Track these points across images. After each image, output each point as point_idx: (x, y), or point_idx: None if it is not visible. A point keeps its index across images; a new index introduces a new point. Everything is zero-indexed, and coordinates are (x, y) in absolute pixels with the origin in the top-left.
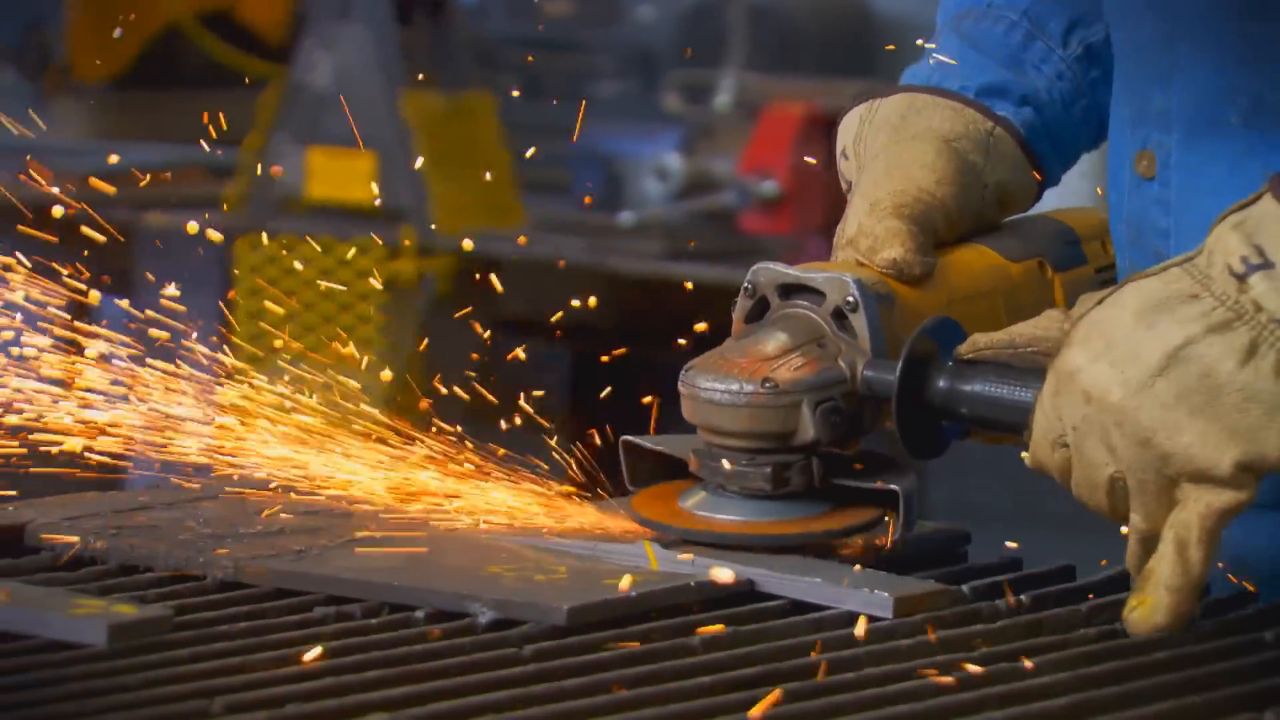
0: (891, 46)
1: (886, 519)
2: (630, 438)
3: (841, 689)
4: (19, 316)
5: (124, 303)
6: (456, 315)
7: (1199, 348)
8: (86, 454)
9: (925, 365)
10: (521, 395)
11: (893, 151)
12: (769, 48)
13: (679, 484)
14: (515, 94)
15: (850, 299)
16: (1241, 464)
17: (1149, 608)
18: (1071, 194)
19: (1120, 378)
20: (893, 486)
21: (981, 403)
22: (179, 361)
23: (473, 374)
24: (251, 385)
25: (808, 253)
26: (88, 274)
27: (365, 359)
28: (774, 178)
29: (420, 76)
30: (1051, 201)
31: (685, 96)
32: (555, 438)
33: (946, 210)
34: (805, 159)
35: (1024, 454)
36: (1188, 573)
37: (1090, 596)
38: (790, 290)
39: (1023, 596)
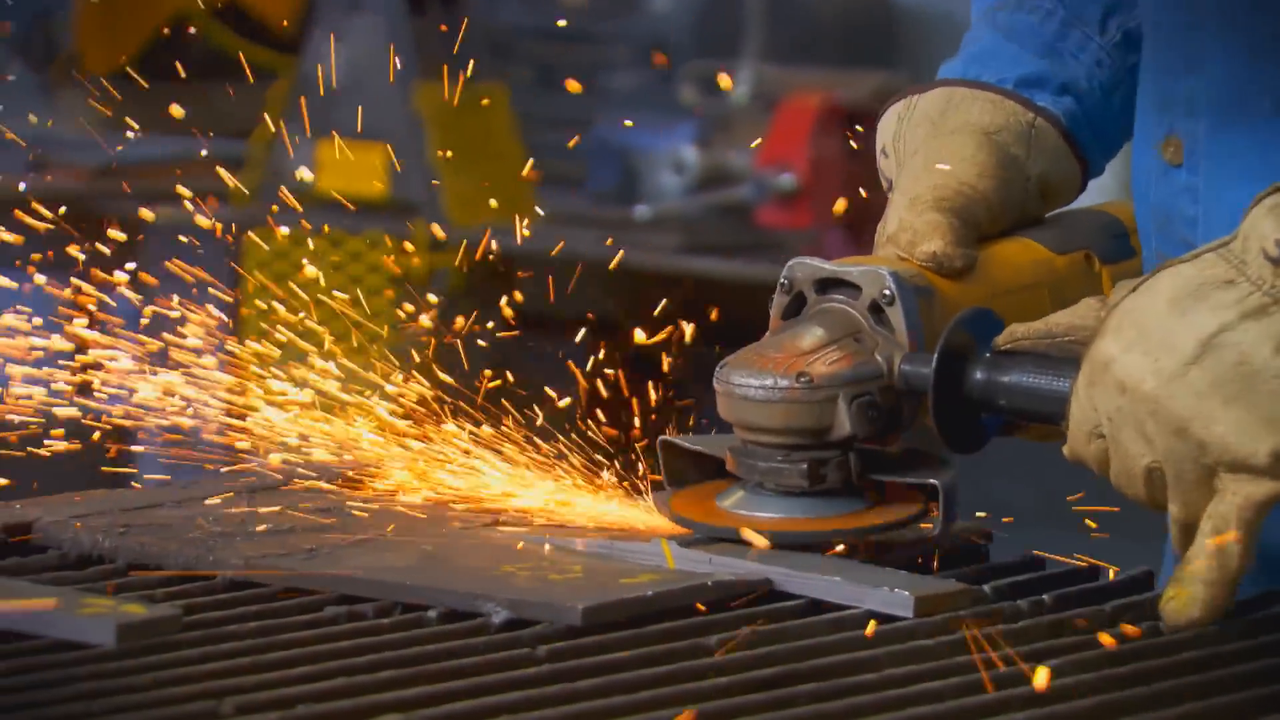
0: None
1: (929, 515)
2: (668, 437)
3: (862, 690)
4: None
5: (133, 297)
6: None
7: (1234, 334)
8: (93, 448)
9: (962, 357)
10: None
11: (932, 146)
12: (786, 38)
13: (717, 484)
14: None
15: (886, 292)
16: (1279, 453)
17: (1185, 600)
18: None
19: (1154, 367)
20: (932, 481)
21: (1020, 394)
22: (185, 351)
23: (486, 368)
24: (262, 378)
25: (825, 246)
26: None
27: (376, 353)
28: (792, 170)
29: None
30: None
31: (701, 88)
32: (573, 433)
33: (988, 203)
34: (823, 152)
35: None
36: (1225, 566)
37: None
38: (827, 285)
39: (1045, 596)
